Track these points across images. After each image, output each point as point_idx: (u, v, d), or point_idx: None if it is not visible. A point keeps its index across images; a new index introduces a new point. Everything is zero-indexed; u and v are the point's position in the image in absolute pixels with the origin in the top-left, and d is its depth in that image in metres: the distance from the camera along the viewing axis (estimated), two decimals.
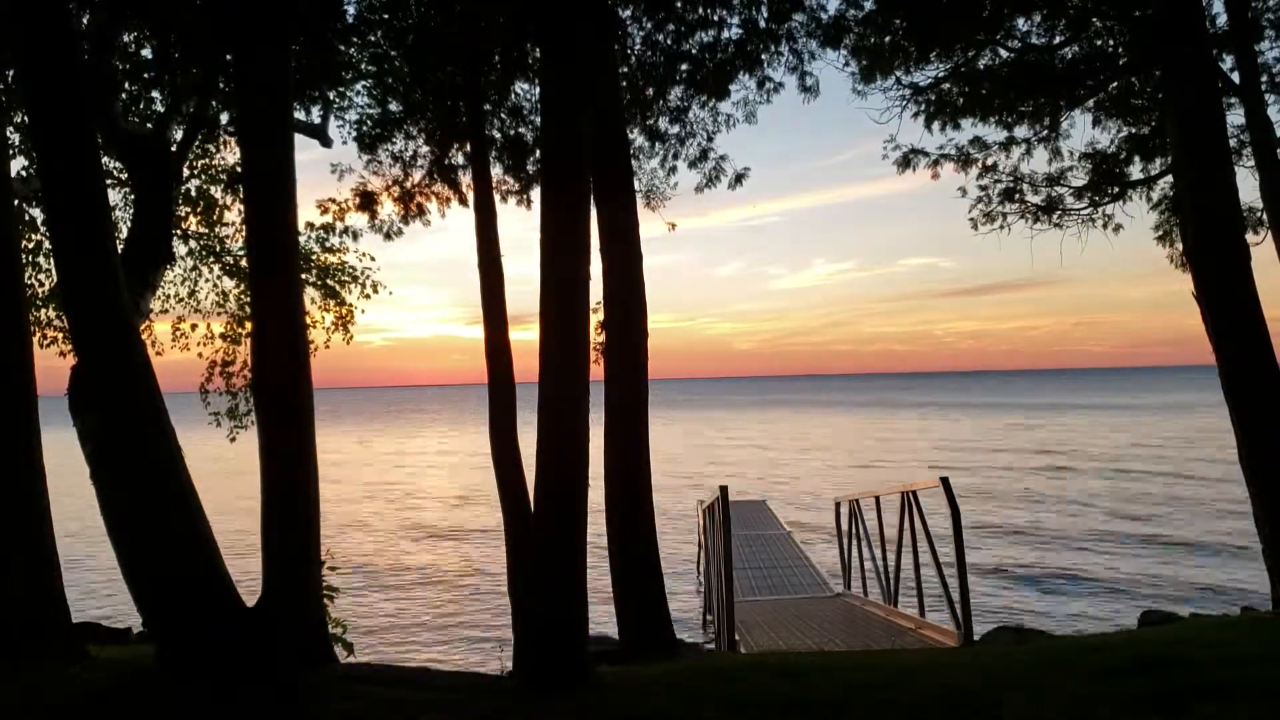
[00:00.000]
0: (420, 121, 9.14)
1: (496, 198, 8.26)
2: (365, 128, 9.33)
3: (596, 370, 7.13)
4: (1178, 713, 3.93)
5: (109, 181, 9.31)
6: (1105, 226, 11.14)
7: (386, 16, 8.53)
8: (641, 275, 8.75)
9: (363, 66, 9.02)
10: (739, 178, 10.55)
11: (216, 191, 10.64)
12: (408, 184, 9.56)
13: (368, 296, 11.59)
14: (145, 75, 8.81)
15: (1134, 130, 10.78)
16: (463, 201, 9.56)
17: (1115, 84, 10.38)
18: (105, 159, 8.66)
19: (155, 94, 9.17)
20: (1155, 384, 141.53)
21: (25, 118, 7.78)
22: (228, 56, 7.52)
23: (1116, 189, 10.99)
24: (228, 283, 11.19)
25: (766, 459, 42.24)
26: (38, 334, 9.85)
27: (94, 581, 16.74)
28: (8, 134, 7.32)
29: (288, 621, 5.43)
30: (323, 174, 10.04)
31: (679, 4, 9.13)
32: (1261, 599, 10.87)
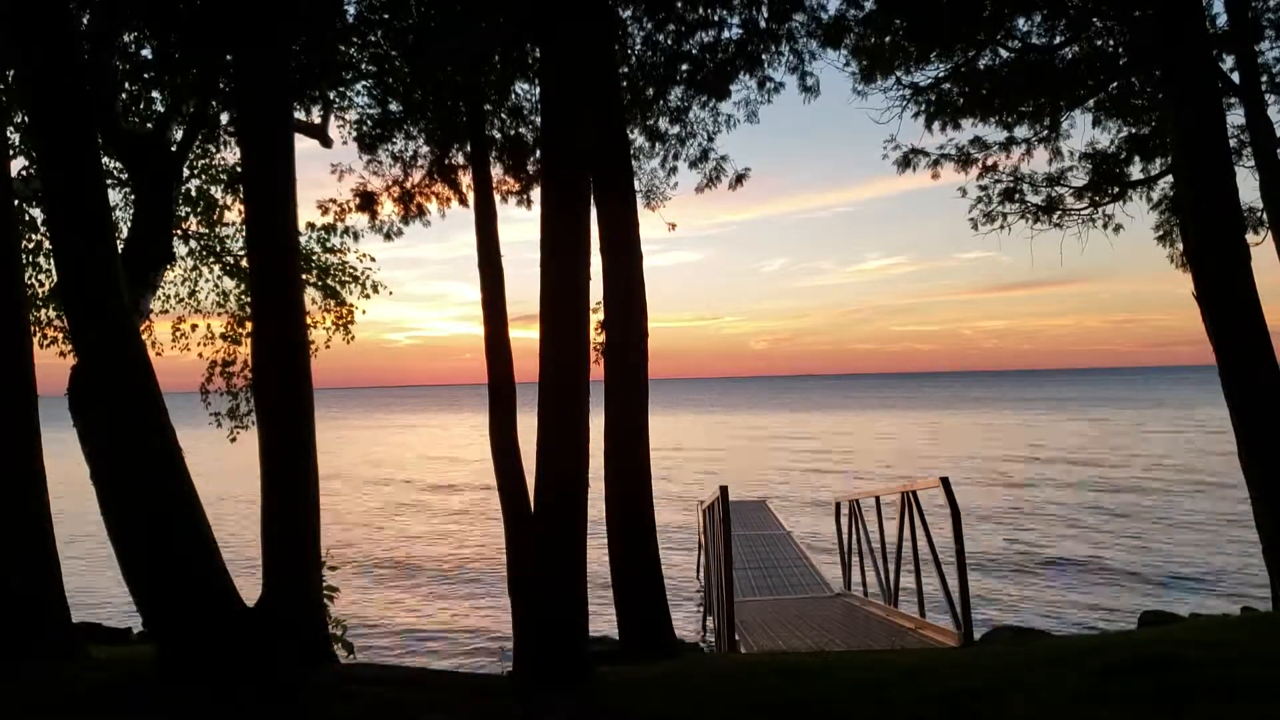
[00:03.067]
0: (420, 121, 9.13)
1: (496, 198, 8.25)
2: (365, 128, 9.32)
3: (596, 370, 7.13)
4: (1178, 713, 3.93)
5: (109, 181, 9.31)
6: (1105, 226, 11.15)
7: (386, 16, 8.52)
8: (642, 275, 8.75)
9: (363, 66, 9.02)
10: (739, 178, 10.54)
11: (216, 191, 10.65)
12: (408, 184, 9.55)
13: (367, 296, 11.62)
14: (145, 75, 8.80)
15: (1134, 130, 10.78)
16: (463, 201, 9.55)
17: (1115, 84, 10.37)
18: (105, 159, 8.66)
19: (155, 94, 9.17)
20: None
21: (25, 118, 7.79)
22: (228, 56, 7.51)
23: (1116, 189, 10.98)
24: (228, 283, 11.20)
25: None
26: (38, 334, 9.85)
27: (94, 581, 16.73)
28: (8, 134, 7.32)
29: (288, 621, 5.43)
30: (323, 174, 10.04)
31: (679, 4, 9.11)
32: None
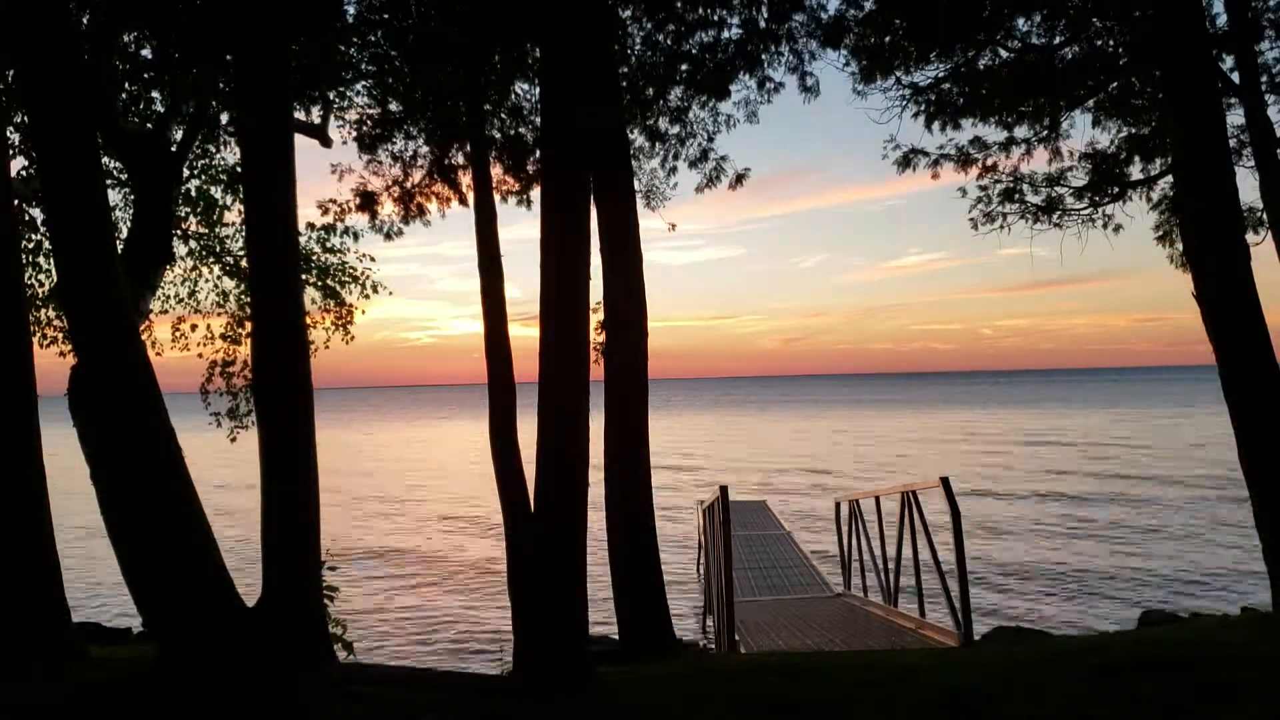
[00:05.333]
0: (420, 121, 9.13)
1: (496, 198, 8.25)
2: (365, 128, 9.31)
3: (596, 370, 7.12)
4: (1178, 713, 3.93)
5: (109, 181, 9.31)
6: (1105, 226, 11.14)
7: (386, 16, 8.52)
8: (641, 274, 8.75)
9: (363, 66, 9.02)
10: (739, 178, 10.55)
11: (216, 191, 10.64)
12: (408, 184, 9.54)
13: (367, 297, 11.62)
14: (145, 75, 8.81)
15: (1134, 130, 10.77)
16: (463, 201, 9.56)
17: (1115, 84, 10.36)
18: (105, 159, 8.66)
19: (155, 94, 9.17)
20: None
21: (25, 118, 7.79)
22: (228, 56, 7.51)
23: (1116, 189, 10.97)
24: (228, 283, 11.20)
25: None
26: (38, 334, 9.85)
27: (94, 581, 16.74)
28: (8, 134, 7.32)
29: (288, 621, 5.43)
30: (323, 174, 10.04)
31: (679, 4, 9.12)
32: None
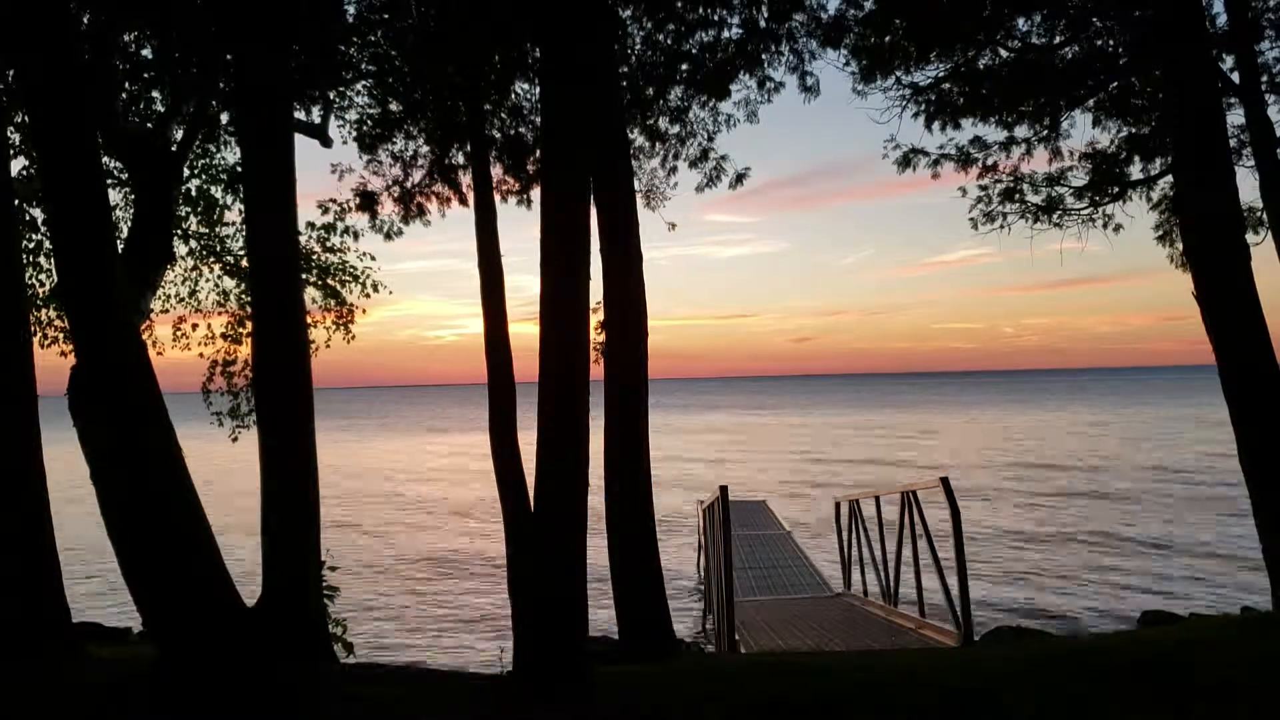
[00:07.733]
0: (420, 121, 9.13)
1: (496, 198, 8.25)
2: (365, 128, 9.32)
3: (596, 370, 7.12)
4: (1178, 713, 3.93)
5: (109, 181, 9.31)
6: (1105, 226, 11.15)
7: (386, 16, 8.52)
8: (641, 275, 8.74)
9: (363, 66, 9.02)
10: (739, 177, 10.55)
11: (216, 191, 10.64)
12: (408, 184, 9.55)
13: (368, 296, 11.62)
14: (145, 75, 8.81)
15: (1134, 130, 10.76)
16: (463, 201, 9.56)
17: (1115, 84, 10.36)
18: (105, 159, 8.66)
19: (155, 94, 9.17)
20: None
21: (25, 118, 7.79)
22: (228, 56, 7.52)
23: (1116, 189, 10.97)
24: (228, 283, 11.20)
25: None
26: (38, 334, 9.85)
27: (94, 581, 16.74)
28: (8, 134, 7.32)
29: (288, 621, 5.43)
30: (323, 174, 10.04)
31: (679, 4, 9.12)
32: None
